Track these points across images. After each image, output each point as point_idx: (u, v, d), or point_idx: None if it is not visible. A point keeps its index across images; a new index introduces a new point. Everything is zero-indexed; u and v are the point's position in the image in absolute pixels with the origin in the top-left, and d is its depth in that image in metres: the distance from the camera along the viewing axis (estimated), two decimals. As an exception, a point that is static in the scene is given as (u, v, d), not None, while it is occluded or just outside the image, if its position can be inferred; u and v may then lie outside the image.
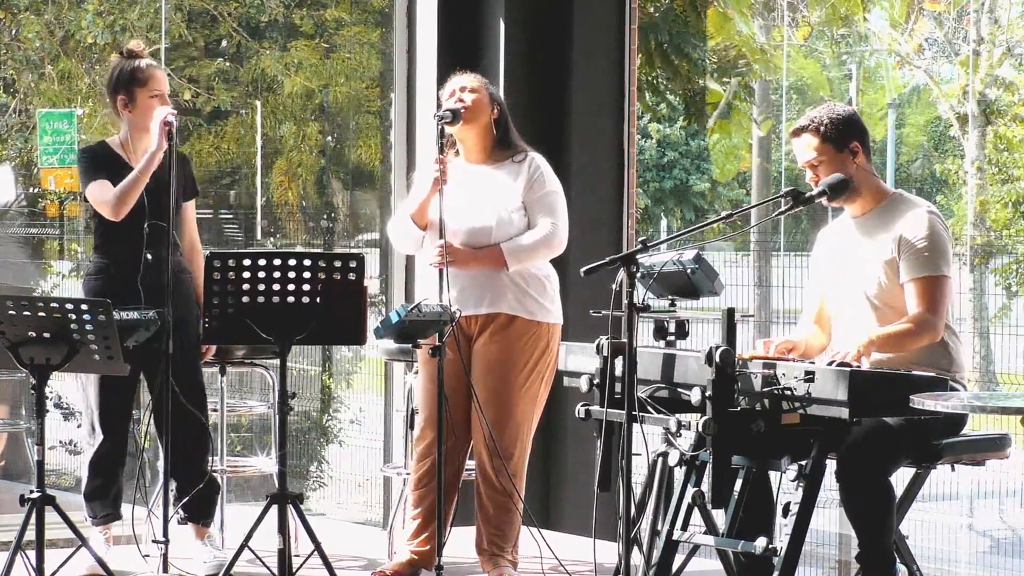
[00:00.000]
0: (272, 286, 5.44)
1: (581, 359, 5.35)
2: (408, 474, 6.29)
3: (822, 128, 5.33)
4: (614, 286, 4.99)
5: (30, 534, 5.33)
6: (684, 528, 5.26)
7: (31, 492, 5.33)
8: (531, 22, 7.73)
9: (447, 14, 7.74)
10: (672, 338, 5.42)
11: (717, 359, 4.83)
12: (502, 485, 5.97)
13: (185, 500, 6.06)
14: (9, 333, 5.25)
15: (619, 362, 5.04)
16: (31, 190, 10.22)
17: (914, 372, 4.99)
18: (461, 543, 6.26)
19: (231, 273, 5.44)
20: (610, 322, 5.02)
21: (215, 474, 6.27)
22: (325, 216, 11.41)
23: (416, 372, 6.19)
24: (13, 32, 10.27)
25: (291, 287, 5.45)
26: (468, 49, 7.59)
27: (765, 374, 4.85)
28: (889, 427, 4.99)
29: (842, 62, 21.05)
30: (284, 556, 5.56)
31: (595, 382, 5.20)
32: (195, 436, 5.99)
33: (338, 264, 5.47)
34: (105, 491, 6.08)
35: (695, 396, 4.87)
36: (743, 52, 16.91)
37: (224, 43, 10.91)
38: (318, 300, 5.46)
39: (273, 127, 11.05)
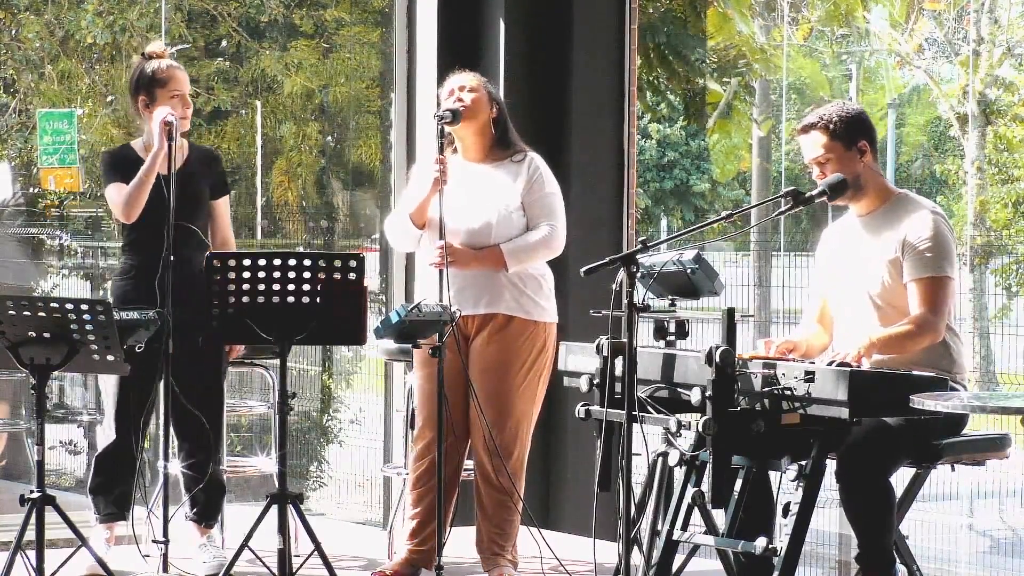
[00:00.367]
0: (272, 286, 5.44)
1: (581, 359, 5.35)
2: (408, 474, 6.28)
3: (831, 126, 5.31)
4: (614, 286, 4.99)
5: (30, 534, 5.33)
6: (684, 528, 5.26)
7: (31, 492, 5.32)
8: (531, 22, 7.72)
9: (447, 14, 7.74)
10: (672, 338, 5.42)
11: (717, 359, 4.83)
12: (502, 484, 5.97)
13: (188, 499, 6.09)
14: (9, 333, 5.25)
15: (619, 362, 5.04)
16: (31, 190, 10.22)
17: (914, 372, 4.99)
18: (461, 543, 6.26)
19: (231, 273, 5.44)
20: (610, 322, 5.01)
21: (223, 476, 6.29)
22: (325, 216, 11.41)
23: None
24: (13, 32, 10.27)
25: (291, 287, 5.45)
26: (468, 49, 7.59)
27: (765, 374, 4.85)
28: (889, 427, 4.99)
29: (842, 62, 21.07)
30: (284, 556, 5.56)
31: (595, 382, 5.20)
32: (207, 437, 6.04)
33: (338, 264, 5.47)
34: (107, 489, 6.08)
35: (695, 396, 4.87)
36: (743, 52, 16.91)
37: (224, 43, 10.91)
38: (318, 300, 5.46)
39: (273, 127, 11.05)
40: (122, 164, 6.03)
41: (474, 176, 6.04)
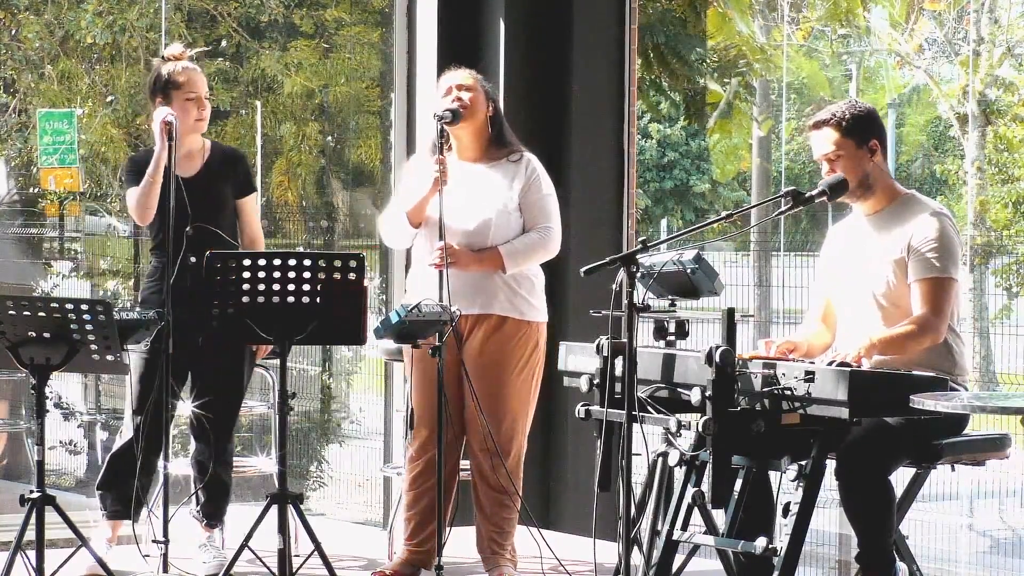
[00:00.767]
0: (272, 286, 5.44)
1: (581, 359, 5.34)
2: (404, 475, 6.28)
3: (844, 123, 5.31)
4: (614, 286, 4.99)
5: (30, 534, 5.33)
6: (684, 528, 5.25)
7: (31, 492, 5.33)
8: (531, 22, 7.72)
9: (447, 14, 7.74)
10: (672, 338, 5.42)
11: (717, 359, 4.82)
12: (500, 483, 5.98)
13: (189, 497, 6.10)
14: (9, 333, 5.25)
15: (619, 362, 5.04)
16: (31, 190, 10.23)
17: (914, 372, 4.99)
18: (460, 543, 6.25)
19: (231, 273, 5.44)
20: (610, 322, 5.01)
21: (227, 478, 6.29)
22: (325, 216, 11.42)
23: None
24: (13, 32, 10.27)
25: (291, 287, 5.45)
26: (468, 49, 7.58)
27: (765, 374, 4.85)
28: (889, 427, 4.99)
29: (842, 62, 21.07)
30: (284, 556, 5.56)
31: (595, 382, 5.19)
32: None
33: (338, 264, 5.47)
34: (114, 487, 6.08)
35: (695, 396, 4.87)
36: (743, 52, 16.92)
37: (224, 43, 10.91)
38: (318, 300, 5.46)
39: (273, 127, 11.05)
40: (141, 168, 6.02)
41: (472, 176, 6.04)
